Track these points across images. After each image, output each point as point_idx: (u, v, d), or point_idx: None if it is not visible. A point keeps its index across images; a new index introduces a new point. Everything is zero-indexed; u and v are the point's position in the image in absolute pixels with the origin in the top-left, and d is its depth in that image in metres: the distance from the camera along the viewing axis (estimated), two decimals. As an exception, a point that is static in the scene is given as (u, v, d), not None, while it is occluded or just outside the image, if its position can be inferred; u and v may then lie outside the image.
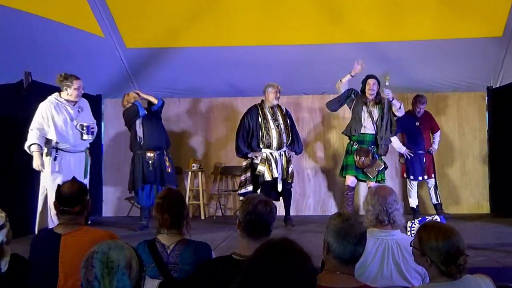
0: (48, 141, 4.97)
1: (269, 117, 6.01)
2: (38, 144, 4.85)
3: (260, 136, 5.95)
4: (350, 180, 5.83)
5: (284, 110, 6.18)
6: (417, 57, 6.86)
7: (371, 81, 5.73)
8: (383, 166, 5.83)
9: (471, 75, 7.15)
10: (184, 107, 7.71)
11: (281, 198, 6.06)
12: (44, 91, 5.93)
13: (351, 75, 5.73)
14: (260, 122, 5.98)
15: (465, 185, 7.16)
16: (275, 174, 5.89)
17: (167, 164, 5.91)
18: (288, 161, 6.05)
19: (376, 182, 5.75)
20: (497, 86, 7.15)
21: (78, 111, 5.12)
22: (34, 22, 5.63)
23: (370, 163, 5.68)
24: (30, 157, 5.70)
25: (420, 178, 6.35)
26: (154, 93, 7.65)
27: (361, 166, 5.70)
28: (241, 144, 6.02)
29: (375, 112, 5.77)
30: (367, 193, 2.90)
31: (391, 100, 5.69)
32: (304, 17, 6.53)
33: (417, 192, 6.47)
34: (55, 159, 4.93)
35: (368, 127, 5.78)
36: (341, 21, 6.60)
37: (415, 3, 6.42)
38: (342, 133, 6.11)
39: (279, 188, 5.94)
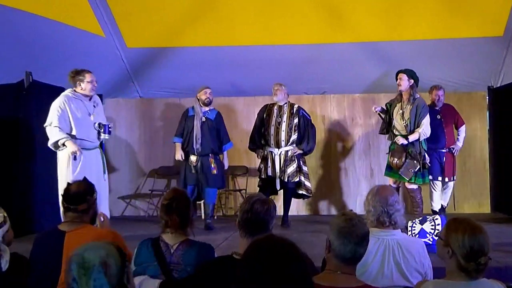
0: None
1: (274, 114, 6.06)
2: (65, 137, 4.70)
3: (262, 133, 6.12)
4: (391, 181, 5.66)
5: (295, 109, 6.09)
6: (417, 57, 6.83)
7: (398, 76, 5.61)
8: (419, 166, 5.46)
9: (471, 74, 7.14)
10: (185, 107, 7.69)
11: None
12: (45, 91, 5.96)
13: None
14: (264, 120, 6.11)
15: (466, 184, 7.15)
16: (269, 173, 6.01)
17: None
18: (288, 160, 5.97)
19: (414, 184, 5.54)
20: (498, 85, 7.13)
21: (94, 106, 5.00)
22: (34, 22, 5.63)
23: (402, 164, 5.44)
24: (31, 158, 5.73)
25: (439, 178, 5.89)
26: (155, 92, 7.71)
27: (395, 167, 5.52)
28: (250, 139, 6.29)
29: (407, 113, 5.53)
30: (368, 193, 2.86)
31: (406, 143, 5.49)
32: (304, 17, 6.52)
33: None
34: (74, 158, 4.75)
35: (399, 128, 5.58)
36: (341, 21, 6.60)
37: (415, 3, 6.41)
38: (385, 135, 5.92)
39: (277, 186, 6.00)
